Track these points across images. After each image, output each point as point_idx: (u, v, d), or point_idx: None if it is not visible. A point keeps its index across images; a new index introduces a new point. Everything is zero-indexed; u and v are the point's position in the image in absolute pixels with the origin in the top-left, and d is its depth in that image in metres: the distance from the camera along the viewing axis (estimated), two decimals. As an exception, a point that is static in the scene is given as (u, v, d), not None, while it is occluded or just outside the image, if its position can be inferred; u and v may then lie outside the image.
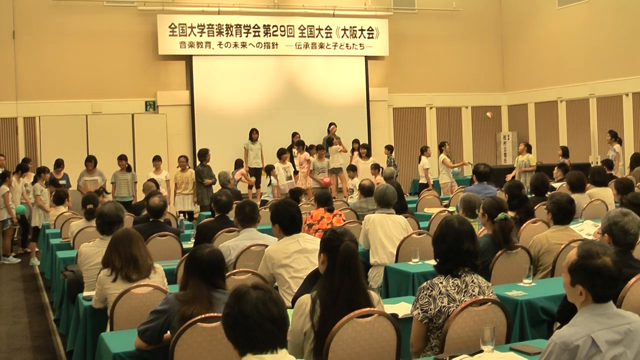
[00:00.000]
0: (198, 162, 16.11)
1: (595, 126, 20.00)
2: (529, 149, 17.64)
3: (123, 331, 5.09)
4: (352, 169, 16.56)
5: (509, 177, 15.99)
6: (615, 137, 17.03)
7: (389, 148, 19.40)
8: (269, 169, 16.47)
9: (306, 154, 17.88)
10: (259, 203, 13.63)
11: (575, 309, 3.44)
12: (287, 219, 6.27)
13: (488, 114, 20.82)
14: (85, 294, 6.20)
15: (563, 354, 3.21)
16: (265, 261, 6.15)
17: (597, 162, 17.27)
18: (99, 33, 18.95)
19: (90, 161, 15.43)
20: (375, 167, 16.12)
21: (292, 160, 17.85)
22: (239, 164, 17.20)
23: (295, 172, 17.54)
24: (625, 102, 19.23)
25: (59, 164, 15.51)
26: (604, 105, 19.95)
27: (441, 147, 17.75)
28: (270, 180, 16.16)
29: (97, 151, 16.56)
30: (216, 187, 14.42)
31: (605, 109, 19.93)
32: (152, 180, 14.29)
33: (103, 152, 16.65)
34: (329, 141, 19.23)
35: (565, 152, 17.17)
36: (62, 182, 15.14)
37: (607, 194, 10.71)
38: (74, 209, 13.45)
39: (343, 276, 4.21)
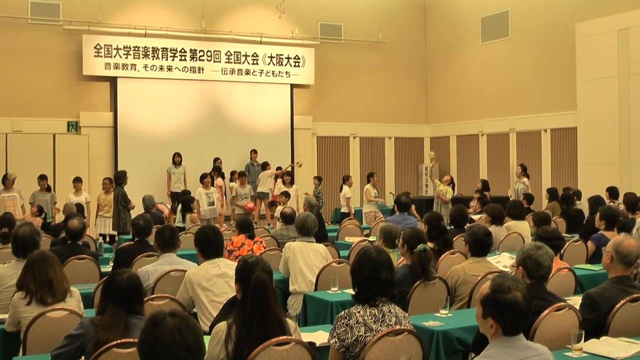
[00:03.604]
0: (116, 185, 15.26)
1: (515, 160, 20.38)
2: (451, 184, 17.98)
3: (36, 356, 5.01)
4: (286, 195, 15.94)
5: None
6: (525, 171, 17.51)
7: (318, 179, 19.45)
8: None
9: (219, 179, 17.83)
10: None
11: (489, 341, 3.52)
12: (203, 241, 6.43)
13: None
14: (-3, 316, 6.07)
15: (474, 384, 3.27)
16: (184, 284, 6.17)
17: (515, 196, 17.63)
18: (22, 50, 18.59)
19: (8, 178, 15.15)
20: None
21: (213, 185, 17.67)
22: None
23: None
24: (544, 138, 19.69)
25: None
26: (524, 140, 20.40)
27: (369, 177, 17.82)
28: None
29: (16, 171, 16.08)
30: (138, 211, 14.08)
31: (524, 143, 20.37)
32: (77, 205, 13.99)
33: (23, 172, 16.23)
34: (264, 166, 19.24)
35: (485, 186, 17.53)
36: None
37: (524, 227, 10.95)
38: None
39: (254, 306, 4.24)
